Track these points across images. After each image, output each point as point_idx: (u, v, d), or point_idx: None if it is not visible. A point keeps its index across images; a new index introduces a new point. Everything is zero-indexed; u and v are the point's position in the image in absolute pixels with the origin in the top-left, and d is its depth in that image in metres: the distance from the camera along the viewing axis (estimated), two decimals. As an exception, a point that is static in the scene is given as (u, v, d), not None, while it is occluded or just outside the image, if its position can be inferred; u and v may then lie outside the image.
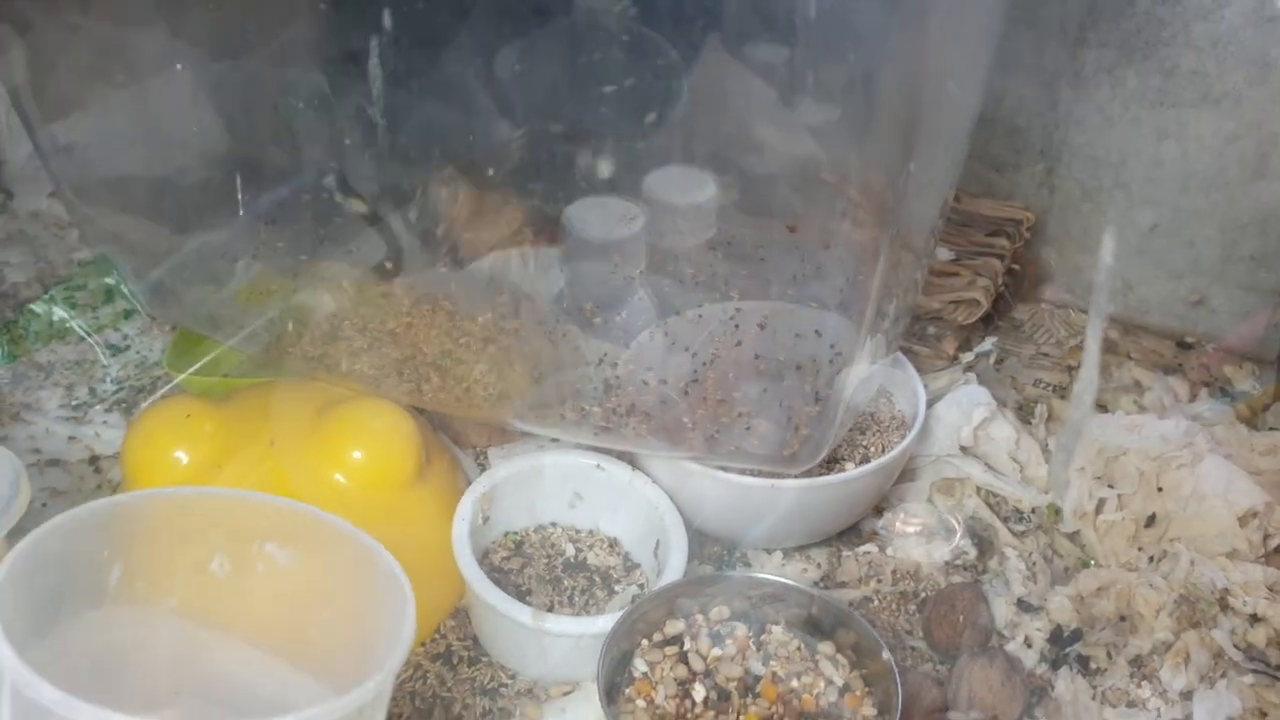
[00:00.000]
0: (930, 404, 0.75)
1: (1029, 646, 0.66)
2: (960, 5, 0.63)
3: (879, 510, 0.74)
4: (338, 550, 0.47)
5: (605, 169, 0.72)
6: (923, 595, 0.69)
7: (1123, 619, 0.66)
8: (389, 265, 0.75)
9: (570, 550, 0.69)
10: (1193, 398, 0.83)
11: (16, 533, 0.52)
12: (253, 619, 0.48)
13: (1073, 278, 0.98)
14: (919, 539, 0.72)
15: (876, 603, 0.69)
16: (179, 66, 0.79)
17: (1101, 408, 0.83)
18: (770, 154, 0.71)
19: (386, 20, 0.69)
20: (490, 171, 0.75)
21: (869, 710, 0.58)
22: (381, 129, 0.77)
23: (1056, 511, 0.74)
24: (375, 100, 0.75)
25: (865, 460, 0.70)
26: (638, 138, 0.72)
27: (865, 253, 0.63)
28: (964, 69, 0.65)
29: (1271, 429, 0.80)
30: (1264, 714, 0.62)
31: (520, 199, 0.75)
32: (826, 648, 0.61)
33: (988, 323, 0.90)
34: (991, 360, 0.84)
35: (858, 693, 0.59)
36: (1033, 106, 0.94)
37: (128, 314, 0.85)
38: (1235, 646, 0.64)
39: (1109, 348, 0.93)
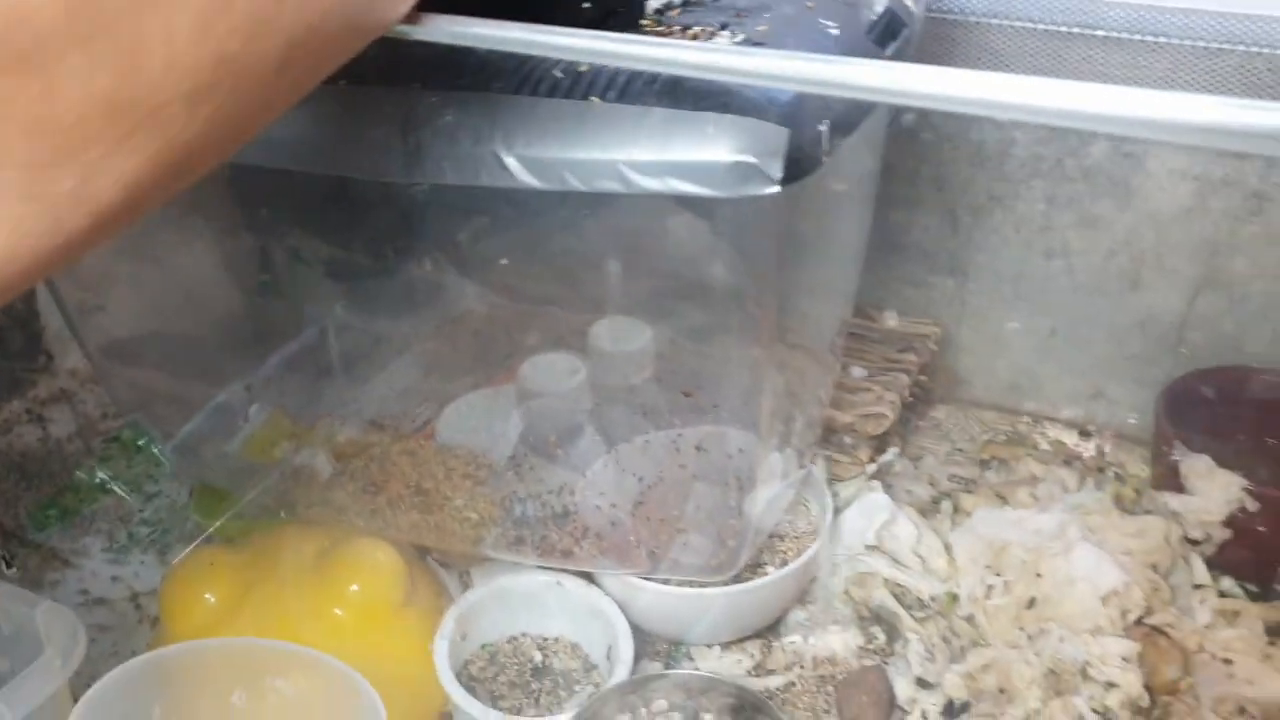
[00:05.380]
0: (841, 510, 0.88)
1: (925, 719, 0.78)
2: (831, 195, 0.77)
3: (803, 603, 0.86)
4: (329, 682, 0.59)
5: (554, 330, 0.85)
6: (838, 677, 0.81)
7: (1001, 691, 0.78)
8: (377, 416, 0.89)
9: (538, 656, 0.81)
10: (1081, 486, 0.96)
11: (77, 675, 0.64)
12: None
13: (987, 379, 1.10)
14: (836, 628, 0.84)
15: (799, 686, 0.81)
16: (196, 243, 0.92)
17: (1003, 499, 0.95)
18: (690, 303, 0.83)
19: (373, 209, 0.82)
20: (457, 331, 0.88)
21: (782, 782, 0.71)
22: (361, 300, 0.90)
23: (955, 598, 0.86)
24: (359, 274, 0.89)
25: (784, 564, 0.82)
26: (581, 302, 0.86)
27: (755, 375, 0.75)
28: (845, 229, 0.79)
29: (1147, 512, 0.92)
30: (1117, 766, 0.73)
31: (483, 354, 0.88)
32: (748, 730, 0.74)
33: (906, 425, 1.02)
34: (895, 468, 0.97)
35: (772, 767, 0.71)
36: (938, 233, 1.07)
37: (158, 463, 0.99)
38: (1093, 710, 0.76)
39: (1018, 440, 1.05)
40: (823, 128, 0.57)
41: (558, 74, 0.58)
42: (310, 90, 0.41)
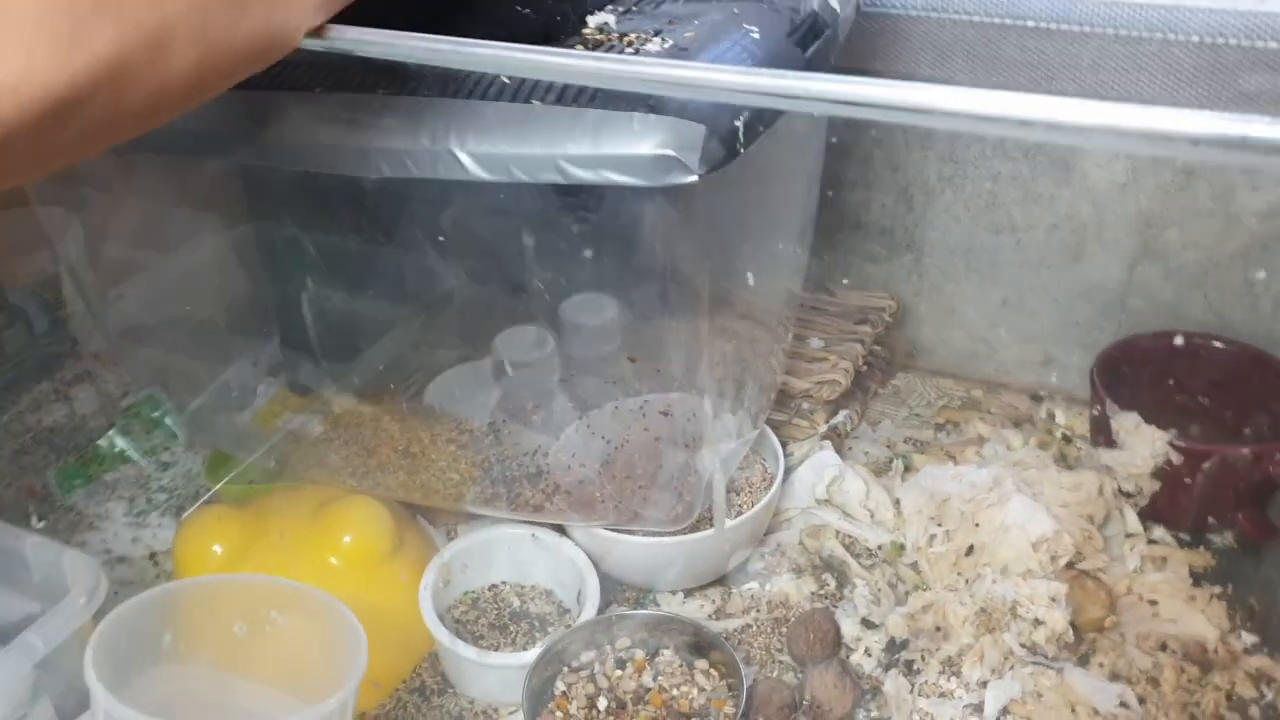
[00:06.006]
0: (794, 468, 0.96)
1: (869, 655, 0.86)
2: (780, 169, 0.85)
3: (761, 553, 0.95)
4: (319, 613, 0.68)
5: (530, 307, 0.93)
6: (791, 619, 0.89)
7: (938, 629, 0.86)
8: (370, 388, 0.97)
9: (516, 602, 0.90)
10: (1024, 445, 1.03)
11: (98, 615, 0.73)
12: (264, 666, 0.69)
13: (943, 348, 1.18)
14: (790, 575, 0.92)
15: (755, 627, 0.89)
16: (206, 234, 1.01)
17: (951, 458, 1.03)
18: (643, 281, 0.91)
19: (363, 201, 0.90)
20: (443, 311, 0.96)
21: (729, 710, 0.79)
22: (358, 281, 0.98)
23: (900, 547, 0.94)
24: (351, 260, 0.97)
25: (739, 515, 0.90)
26: (551, 279, 0.93)
27: (699, 345, 0.83)
28: (785, 210, 0.87)
29: (1087, 468, 0.99)
30: (1039, 695, 0.81)
31: (464, 333, 0.96)
32: (702, 664, 0.82)
33: (866, 392, 1.10)
34: (853, 431, 1.05)
35: (722, 697, 0.79)
36: (894, 211, 1.14)
37: (174, 436, 1.08)
38: (1021, 645, 0.83)
39: (971, 405, 1.13)
40: (738, 123, 0.65)
41: (505, 80, 0.66)
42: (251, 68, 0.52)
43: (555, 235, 0.84)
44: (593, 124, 0.64)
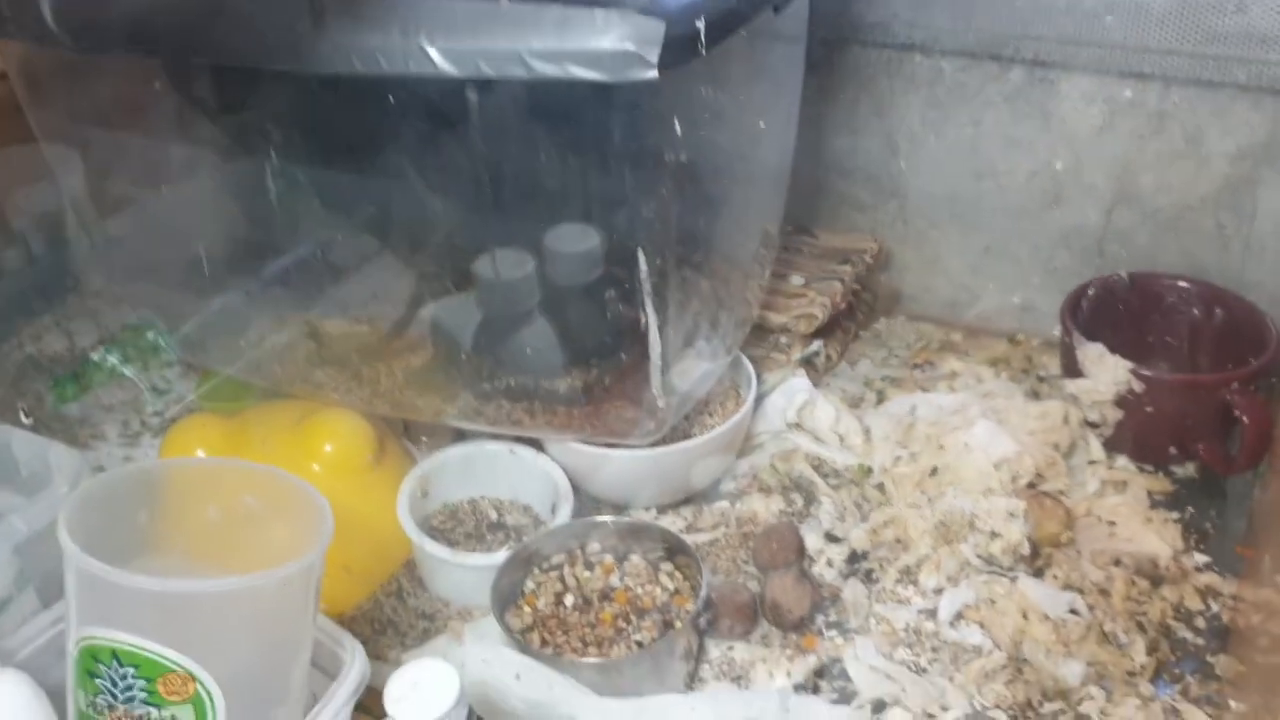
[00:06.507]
0: (767, 394, 0.98)
1: (830, 566, 0.88)
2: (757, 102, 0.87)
3: (733, 475, 0.97)
4: (288, 495, 0.70)
5: (510, 231, 0.96)
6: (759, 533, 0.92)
7: (898, 541, 0.88)
8: (359, 313, 1.00)
9: (493, 514, 0.92)
10: (996, 379, 1.05)
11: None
12: (238, 556, 0.71)
13: (926, 295, 1.20)
14: (760, 495, 0.95)
15: (723, 541, 0.92)
16: (200, 169, 1.04)
17: (923, 390, 1.05)
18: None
19: (353, 136, 0.93)
20: (426, 238, 0.99)
21: (690, 606, 0.81)
22: (350, 212, 1.01)
23: (868, 470, 0.96)
24: (343, 193, 1.00)
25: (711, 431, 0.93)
26: (533, 208, 0.96)
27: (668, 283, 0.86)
28: (756, 151, 0.89)
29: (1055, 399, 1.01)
30: (992, 601, 0.83)
31: (448, 258, 0.99)
32: (667, 567, 0.84)
33: (847, 333, 1.13)
34: (826, 364, 1.07)
35: (683, 594, 0.82)
36: (879, 158, 1.16)
37: (169, 364, 1.11)
38: (978, 556, 0.86)
39: (949, 347, 1.15)
40: (699, 23, 0.68)
41: (474, -21, 0.69)
42: None
43: (534, 163, 0.87)
44: (557, 19, 0.67)
